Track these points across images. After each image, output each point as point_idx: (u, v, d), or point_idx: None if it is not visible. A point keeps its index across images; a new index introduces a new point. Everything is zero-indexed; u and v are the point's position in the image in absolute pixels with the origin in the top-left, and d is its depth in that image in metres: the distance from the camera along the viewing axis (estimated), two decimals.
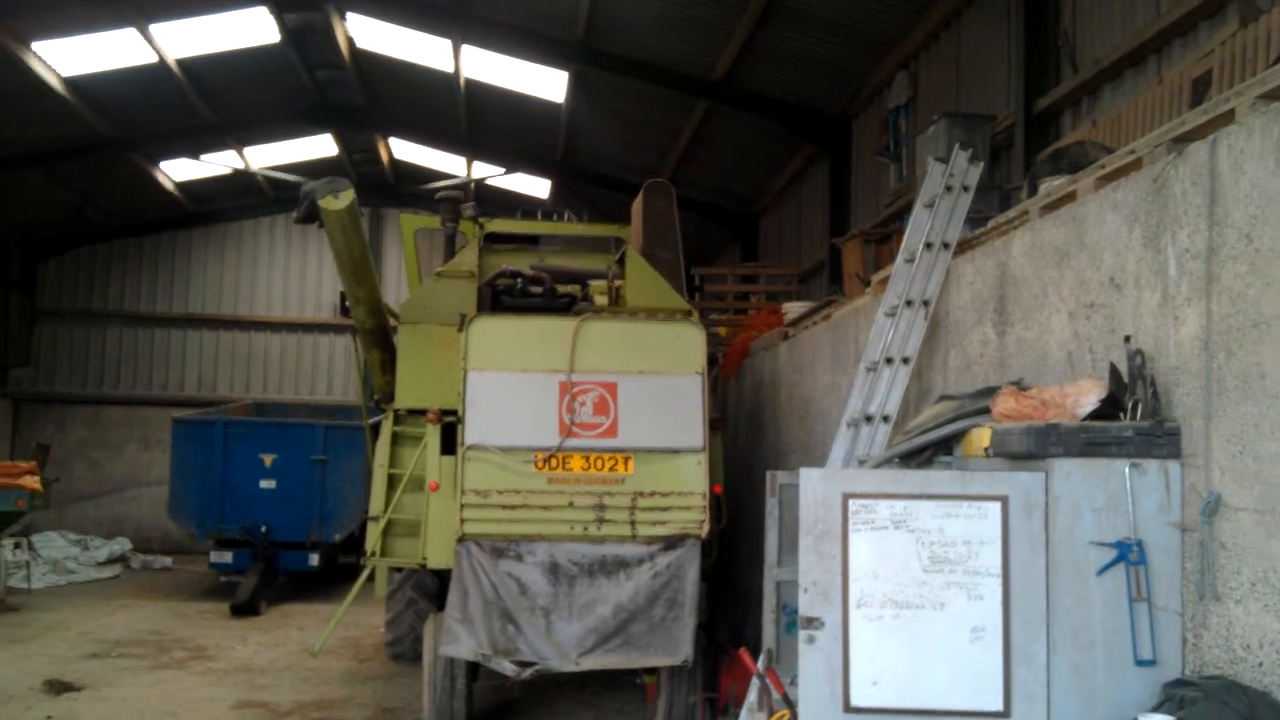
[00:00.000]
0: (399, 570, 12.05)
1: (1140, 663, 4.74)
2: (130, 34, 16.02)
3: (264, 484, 17.60)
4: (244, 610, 16.13)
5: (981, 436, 5.55)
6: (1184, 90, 7.97)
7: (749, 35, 14.41)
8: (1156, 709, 4.48)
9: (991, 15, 11.65)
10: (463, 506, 8.97)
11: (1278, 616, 4.17)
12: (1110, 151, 6.56)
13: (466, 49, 17.29)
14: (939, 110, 10.70)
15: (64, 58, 16.58)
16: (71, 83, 17.30)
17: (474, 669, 9.59)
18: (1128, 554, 4.76)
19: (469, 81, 18.70)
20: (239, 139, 21.60)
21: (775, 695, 6.11)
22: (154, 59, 16.88)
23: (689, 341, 9.44)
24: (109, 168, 21.17)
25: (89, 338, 25.26)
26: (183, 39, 16.78)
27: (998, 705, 4.95)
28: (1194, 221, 4.77)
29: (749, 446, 13.16)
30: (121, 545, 21.98)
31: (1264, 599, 4.24)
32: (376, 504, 10.30)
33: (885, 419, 7.26)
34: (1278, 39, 6.92)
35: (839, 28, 13.84)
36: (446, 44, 17.26)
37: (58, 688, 11.30)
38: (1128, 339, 5.15)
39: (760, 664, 6.57)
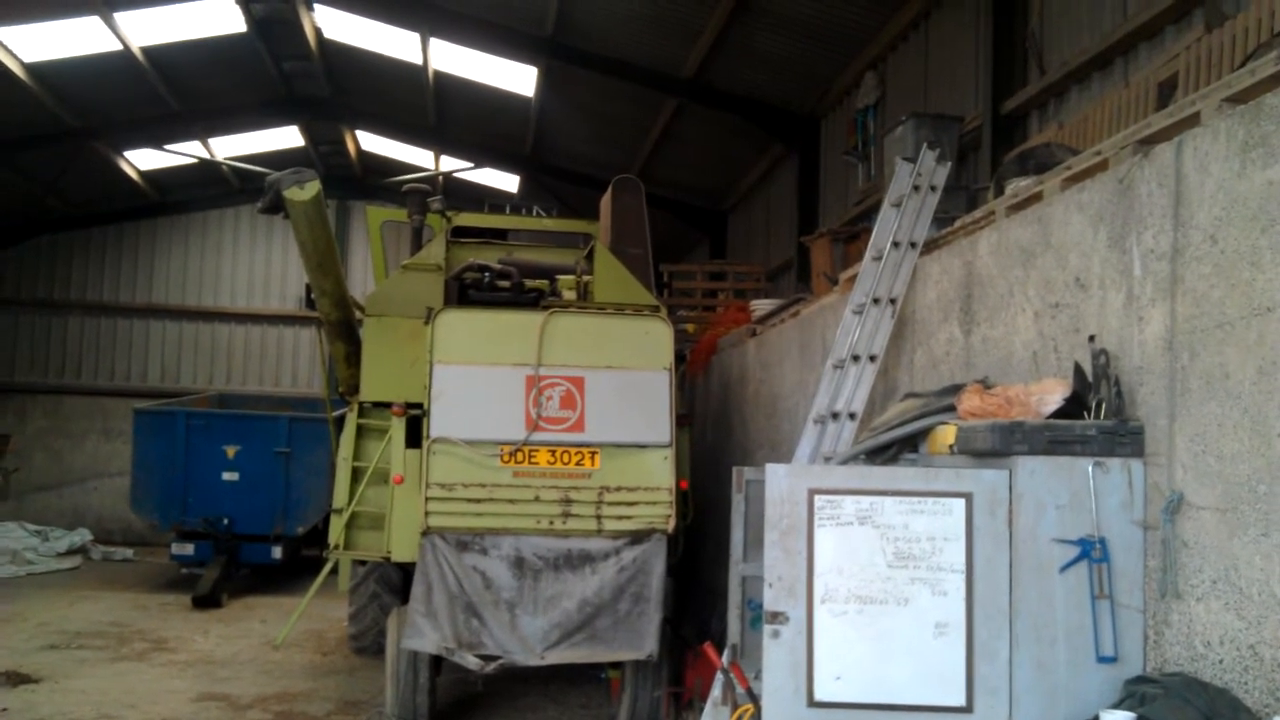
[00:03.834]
0: (363, 563, 12.00)
1: (1102, 659, 4.78)
2: (93, 21, 15.85)
3: (227, 476, 17.49)
4: (206, 602, 16.04)
5: (946, 434, 5.58)
6: (1150, 93, 8.04)
7: (719, 33, 14.44)
8: (1118, 705, 4.52)
9: (960, 17, 11.72)
10: (427, 499, 8.94)
11: (1238, 614, 4.22)
12: (1076, 153, 6.61)
13: (435, 42, 17.23)
14: (907, 111, 10.74)
15: (26, 44, 16.40)
16: (33, 70, 17.11)
17: (438, 663, 9.55)
18: (1090, 551, 4.80)
19: (438, 74, 18.64)
20: (204, 129, 21.43)
21: (739, 690, 6.12)
22: (118, 47, 16.72)
23: (657, 337, 9.44)
24: (72, 156, 20.92)
25: (50, 327, 25.02)
26: (147, 27, 16.62)
27: (960, 700, 4.98)
28: (1159, 222, 4.81)
29: (716, 443, 13.19)
30: (82, 536, 21.76)
31: (1225, 597, 4.29)
32: (340, 497, 10.25)
33: (851, 416, 7.29)
34: (1243, 43, 7.00)
35: (808, 27, 13.89)
36: (415, 36, 17.18)
37: (15, 679, 11.16)
38: (1092, 338, 5.19)
39: (725, 658, 6.58)
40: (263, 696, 11.00)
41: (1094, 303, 5.31)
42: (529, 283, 10.73)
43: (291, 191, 8.52)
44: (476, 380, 9.19)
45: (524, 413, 9.10)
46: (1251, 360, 4.20)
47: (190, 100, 19.83)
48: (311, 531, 17.79)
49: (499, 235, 12.47)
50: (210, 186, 25.00)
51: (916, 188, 7.72)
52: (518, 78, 18.05)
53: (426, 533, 8.91)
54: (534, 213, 12.80)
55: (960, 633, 5.02)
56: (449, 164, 23.36)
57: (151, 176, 23.51)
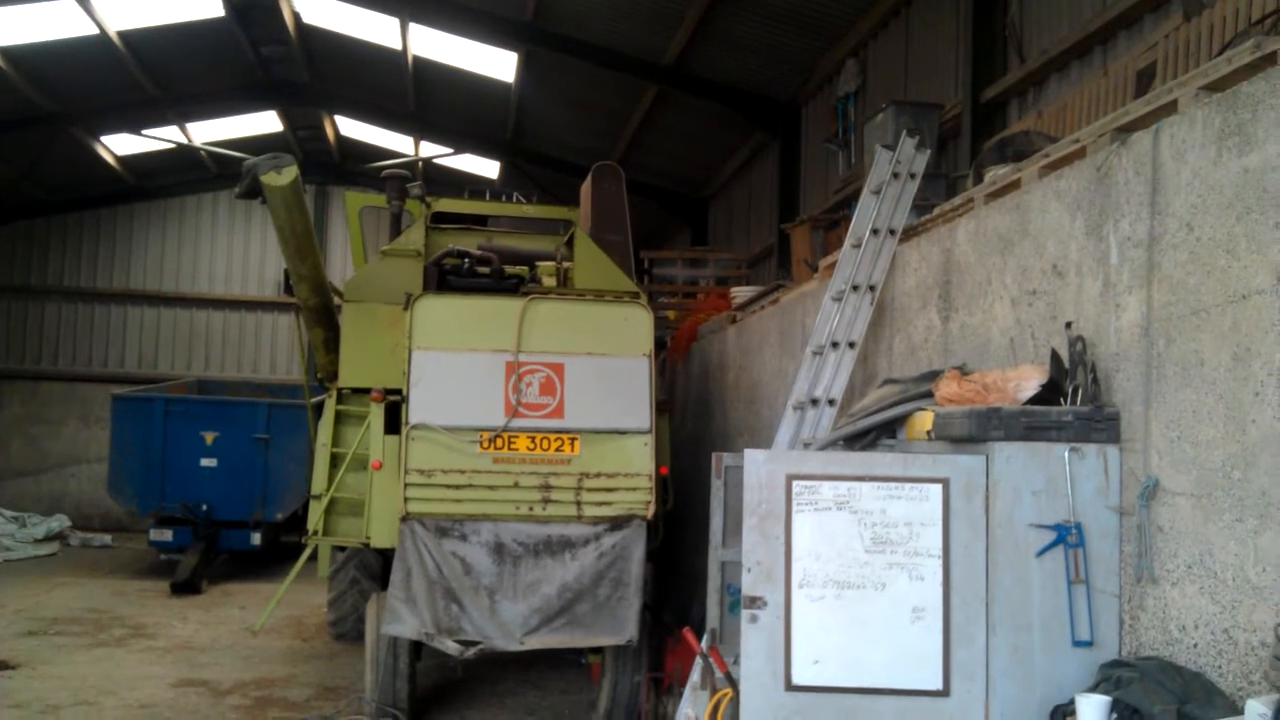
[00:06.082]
0: (342, 549, 12.01)
1: (1078, 644, 4.80)
2: (69, 5, 15.71)
3: (205, 462, 17.47)
4: (185, 588, 16.02)
5: (924, 420, 5.60)
6: (1128, 81, 8.07)
7: (700, 20, 14.42)
8: (1093, 689, 4.55)
9: (940, 5, 11.74)
10: (407, 486, 8.93)
11: (1213, 599, 4.25)
12: (1055, 141, 6.63)
13: (415, 27, 17.15)
14: (887, 98, 10.76)
15: (0, 28, 16.23)
16: (8, 53, 16.97)
17: (417, 649, 9.57)
18: (1066, 536, 4.83)
19: (417, 59, 18.56)
20: (182, 114, 21.28)
21: (718, 674, 6.13)
22: (94, 31, 16.58)
23: (637, 323, 9.44)
24: (48, 141, 20.80)
25: (27, 313, 24.88)
26: (124, 11, 16.48)
27: (937, 685, 5.00)
28: (1136, 210, 4.84)
29: (696, 430, 13.20)
30: (60, 522, 21.68)
31: (1199, 581, 4.32)
32: (319, 483, 10.23)
33: (830, 402, 7.31)
34: (1220, 32, 7.03)
35: (790, 14, 13.88)
36: (394, 21, 17.10)
37: None
38: (1069, 325, 5.21)
39: (704, 643, 6.60)
40: (242, 682, 10.99)
41: (1071, 290, 5.33)
42: (509, 269, 10.72)
43: (269, 177, 8.48)
44: (455, 366, 9.18)
45: (503, 399, 9.10)
46: (1226, 347, 4.23)
47: (167, 85, 19.70)
48: (291, 517, 17.74)
49: (479, 221, 12.44)
50: (188, 172, 24.87)
51: (896, 175, 7.74)
52: (498, 63, 17.98)
53: (406, 518, 8.91)
54: (514, 199, 12.77)
55: (937, 617, 5.04)
56: (429, 150, 23.26)
57: (129, 162, 23.37)
